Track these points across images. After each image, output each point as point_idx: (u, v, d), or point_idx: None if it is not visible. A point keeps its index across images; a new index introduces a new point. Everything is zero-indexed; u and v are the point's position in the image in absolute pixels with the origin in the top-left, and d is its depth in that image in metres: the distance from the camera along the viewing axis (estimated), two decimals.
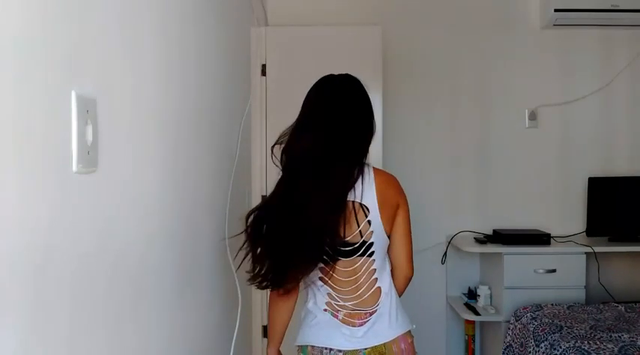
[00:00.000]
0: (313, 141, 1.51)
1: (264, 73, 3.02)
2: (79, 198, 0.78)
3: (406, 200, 1.62)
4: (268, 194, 1.60)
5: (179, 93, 1.34)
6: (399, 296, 1.65)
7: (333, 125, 1.53)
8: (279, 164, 1.56)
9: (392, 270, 1.64)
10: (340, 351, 1.55)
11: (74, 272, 0.76)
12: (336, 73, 1.65)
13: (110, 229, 0.89)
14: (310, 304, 1.61)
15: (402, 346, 1.57)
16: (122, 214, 0.95)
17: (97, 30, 0.85)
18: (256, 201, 2.90)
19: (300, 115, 1.59)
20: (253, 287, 1.56)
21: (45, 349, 0.69)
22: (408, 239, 1.63)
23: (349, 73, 1.64)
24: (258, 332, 2.98)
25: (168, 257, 1.24)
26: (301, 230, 1.46)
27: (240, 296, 1.80)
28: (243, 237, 1.54)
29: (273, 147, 1.57)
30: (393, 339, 1.56)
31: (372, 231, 1.54)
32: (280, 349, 1.73)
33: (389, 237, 1.59)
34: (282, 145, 1.56)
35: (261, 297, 2.89)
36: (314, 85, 1.63)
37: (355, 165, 1.54)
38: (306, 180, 1.49)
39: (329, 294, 1.58)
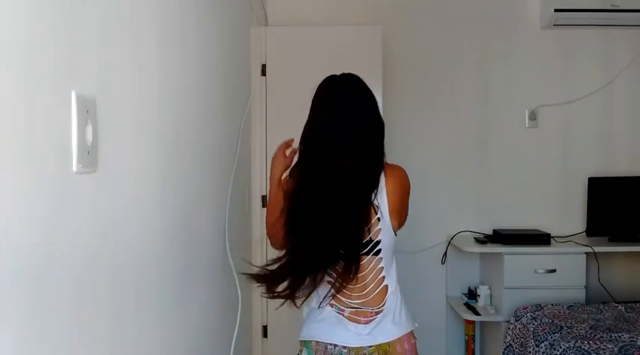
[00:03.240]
0: (349, 162, 1.51)
1: (264, 73, 3.02)
2: (79, 198, 0.78)
3: (409, 187, 1.65)
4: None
5: (179, 93, 1.34)
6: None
7: (359, 141, 1.53)
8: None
9: None
10: (345, 347, 1.54)
11: (74, 273, 0.76)
12: (336, 73, 1.64)
13: (110, 229, 0.89)
14: (314, 302, 1.60)
15: (406, 346, 1.57)
16: (122, 214, 0.95)
17: (98, 30, 0.85)
18: (256, 201, 2.89)
19: (314, 128, 1.57)
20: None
21: (45, 349, 0.69)
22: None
23: (349, 72, 1.64)
24: (258, 332, 2.98)
25: (168, 257, 1.24)
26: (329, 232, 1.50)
27: (240, 296, 1.79)
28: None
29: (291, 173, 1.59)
30: (398, 338, 1.57)
31: (381, 229, 1.55)
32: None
33: (395, 233, 1.59)
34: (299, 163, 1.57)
35: (261, 297, 2.88)
36: (324, 93, 1.61)
37: (380, 171, 1.56)
38: (339, 192, 1.50)
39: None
